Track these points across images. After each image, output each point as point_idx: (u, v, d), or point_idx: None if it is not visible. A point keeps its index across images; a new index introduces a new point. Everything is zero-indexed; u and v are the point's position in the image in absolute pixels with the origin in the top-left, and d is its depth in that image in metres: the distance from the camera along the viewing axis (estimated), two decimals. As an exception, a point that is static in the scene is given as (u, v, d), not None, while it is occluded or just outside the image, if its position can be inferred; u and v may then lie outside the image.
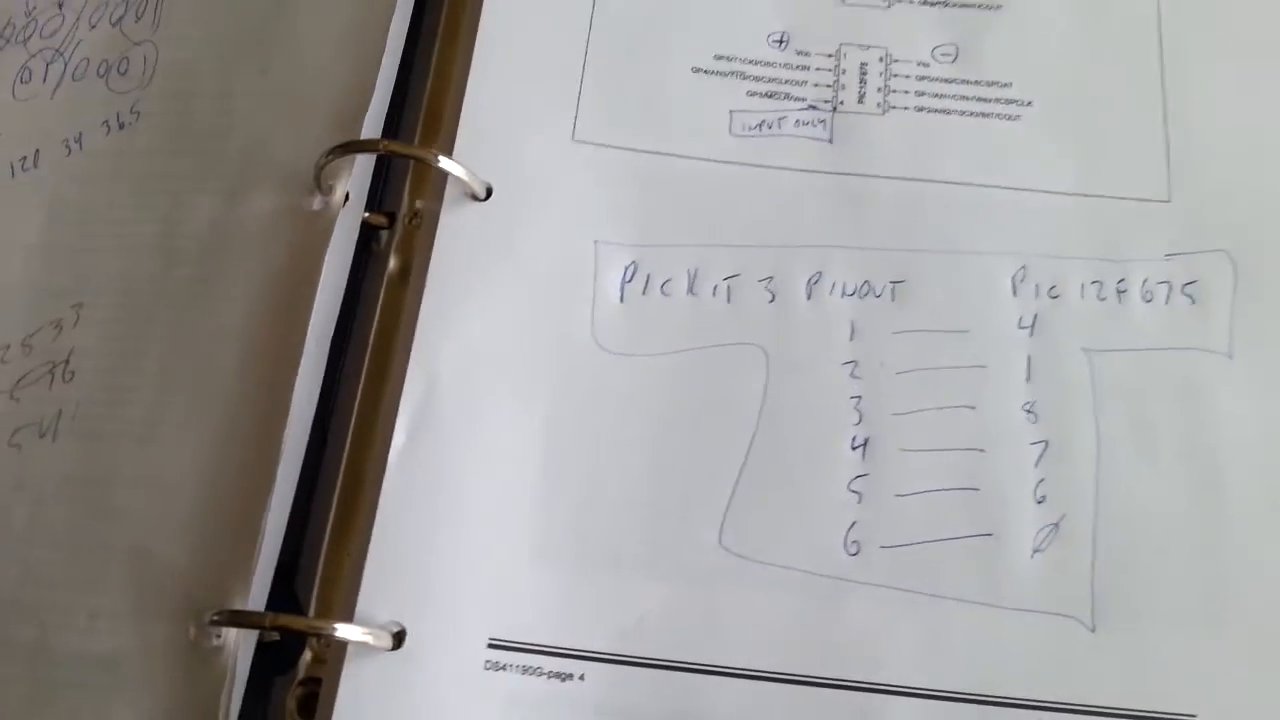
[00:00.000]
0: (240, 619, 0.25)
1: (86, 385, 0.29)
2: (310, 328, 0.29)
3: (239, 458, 0.27)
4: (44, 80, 0.34)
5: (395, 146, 0.31)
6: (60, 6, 0.35)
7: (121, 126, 0.33)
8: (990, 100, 0.33)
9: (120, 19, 0.34)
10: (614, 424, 0.29)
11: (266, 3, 0.34)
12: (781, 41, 0.34)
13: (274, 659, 0.26)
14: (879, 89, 0.33)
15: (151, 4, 0.34)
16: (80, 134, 0.33)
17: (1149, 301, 0.30)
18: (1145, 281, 0.30)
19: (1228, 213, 0.31)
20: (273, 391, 0.28)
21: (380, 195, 0.32)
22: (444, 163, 0.30)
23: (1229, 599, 0.27)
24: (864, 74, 0.33)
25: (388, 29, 0.32)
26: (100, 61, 0.34)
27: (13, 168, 0.32)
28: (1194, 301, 0.30)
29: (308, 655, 0.27)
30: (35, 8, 0.35)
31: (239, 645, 0.25)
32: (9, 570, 0.27)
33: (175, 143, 0.32)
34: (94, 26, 0.34)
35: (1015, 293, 0.30)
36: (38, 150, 0.33)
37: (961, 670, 0.27)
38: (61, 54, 0.34)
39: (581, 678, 0.26)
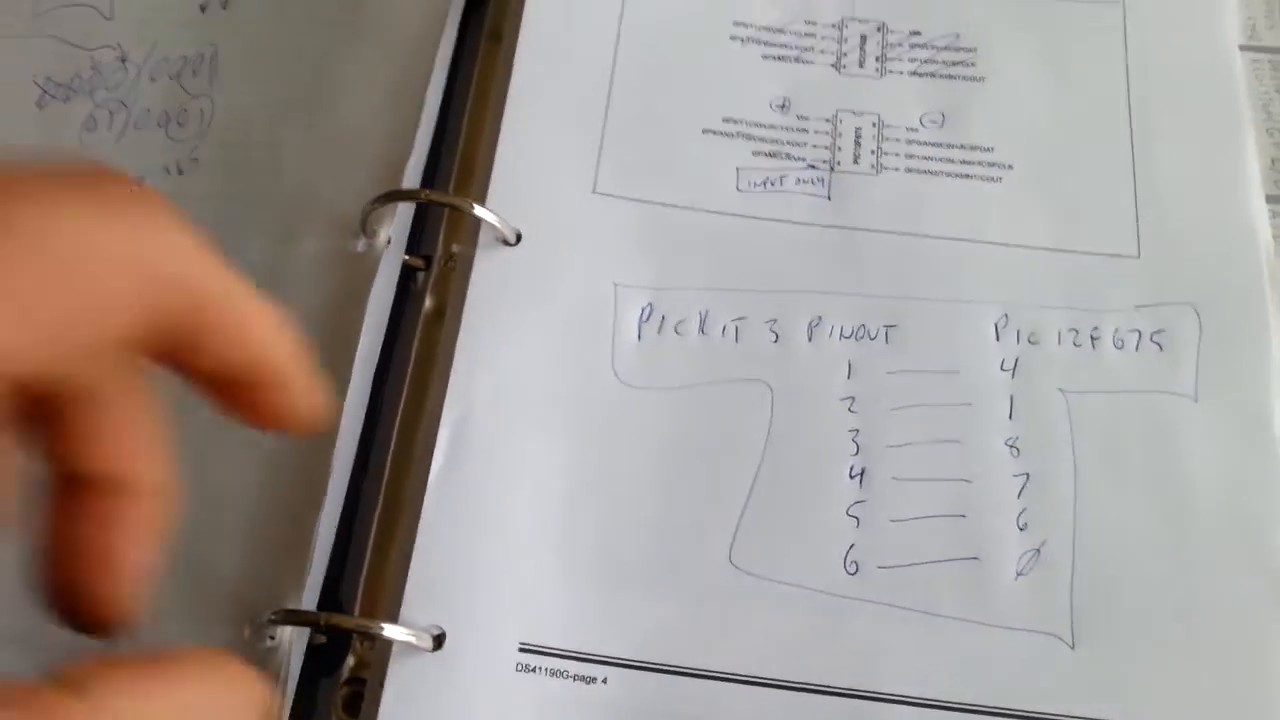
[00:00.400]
0: (295, 618, 0.27)
1: (147, 409, 0.31)
2: (355, 359, 0.31)
3: (291, 478, 0.29)
4: (109, 128, 0.36)
5: (434, 196, 0.33)
6: (124, 61, 0.37)
7: (180, 172, 0.35)
8: (974, 163, 0.35)
9: (179, 74, 0.37)
10: (632, 451, 0.31)
11: (314, 61, 0.36)
12: (784, 107, 0.37)
13: (322, 661, 0.28)
14: (872, 151, 0.36)
15: (208, 61, 0.37)
16: (142, 178, 0.35)
17: (1120, 348, 0.33)
18: (1117, 330, 0.33)
19: (1193, 268, 0.34)
20: (320, 420, 0.30)
21: (418, 239, 0.35)
22: (478, 210, 0.33)
23: (1198, 617, 0.29)
24: (859, 138, 0.36)
25: (427, 87, 0.35)
26: (161, 112, 0.36)
27: (79, 209, 0.35)
28: (1162, 349, 0.33)
29: (351, 660, 0.29)
30: (101, 62, 0.37)
31: (291, 645, 0.27)
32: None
33: (230, 188, 0.35)
34: (154, 80, 0.37)
35: (998, 338, 0.33)
36: (103, 193, 0.35)
37: (952, 681, 0.29)
38: (125, 104, 0.37)
39: (604, 681, 0.28)
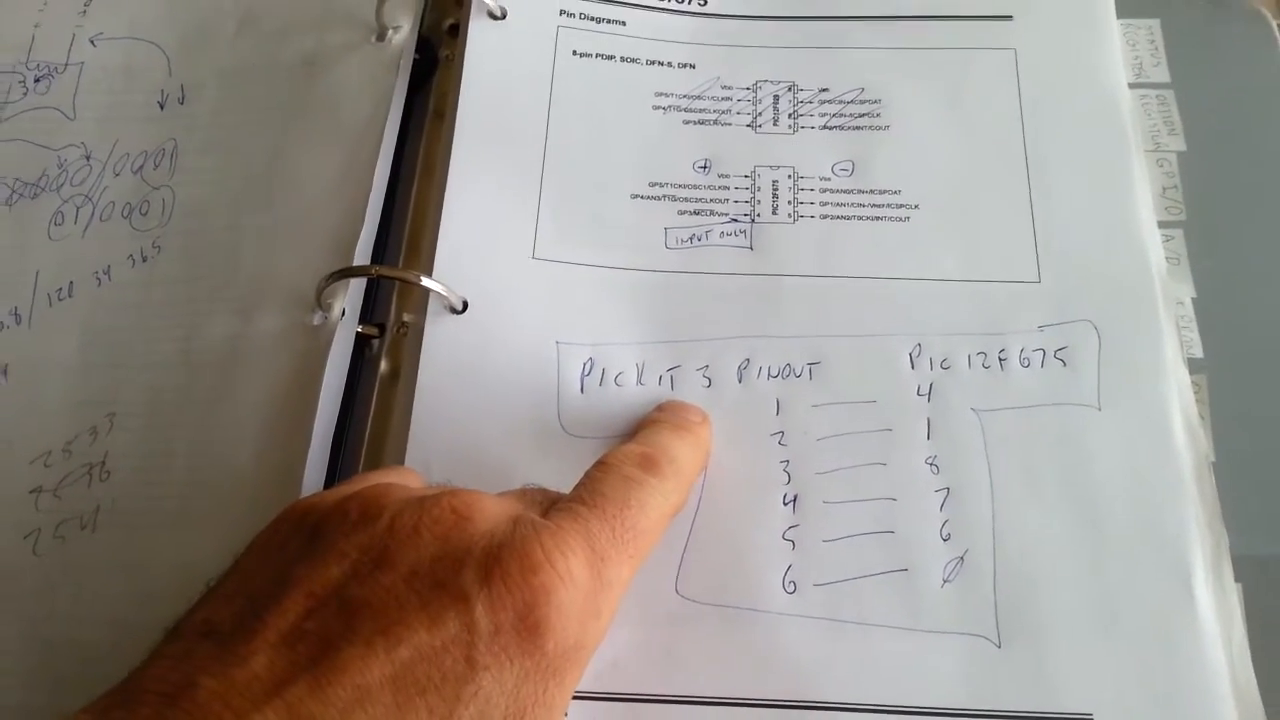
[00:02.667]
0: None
1: (121, 483, 0.33)
2: (315, 425, 0.33)
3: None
4: (75, 222, 0.38)
5: (384, 271, 0.36)
6: (88, 159, 0.40)
7: (145, 259, 0.37)
8: (883, 206, 0.38)
9: (141, 168, 0.39)
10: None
11: (268, 150, 0.39)
12: (705, 167, 0.39)
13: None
14: (789, 202, 0.38)
15: (168, 154, 0.39)
16: (109, 267, 0.37)
17: (1027, 366, 0.35)
18: (1023, 350, 0.35)
19: (1089, 289, 0.36)
20: (286, 480, 0.32)
21: (371, 308, 0.37)
22: (426, 281, 0.35)
23: (1114, 612, 0.31)
24: (776, 190, 0.39)
25: (375, 167, 0.37)
26: (124, 204, 0.39)
27: (50, 298, 0.37)
28: (1065, 364, 0.35)
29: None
30: (66, 160, 0.40)
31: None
32: (63, 648, 0.31)
33: (192, 271, 0.37)
34: (118, 175, 0.39)
35: (913, 366, 0.35)
36: (72, 282, 0.37)
37: (889, 686, 0.30)
38: (90, 199, 0.39)
39: (565, 714, 0.30)
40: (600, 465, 0.29)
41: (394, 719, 0.22)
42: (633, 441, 0.31)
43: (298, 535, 0.26)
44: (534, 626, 0.24)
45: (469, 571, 0.24)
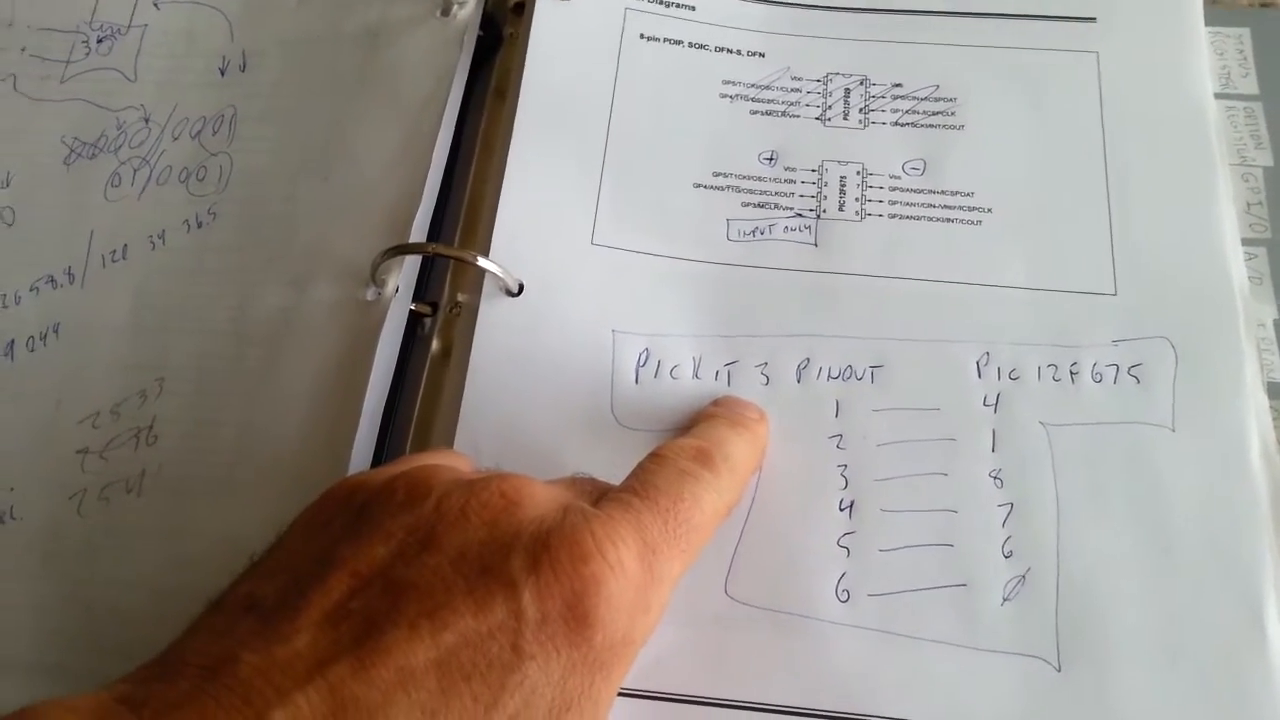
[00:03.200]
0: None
1: (168, 448, 0.33)
2: (365, 402, 0.32)
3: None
4: (132, 184, 0.38)
5: (441, 249, 0.35)
6: (147, 121, 0.39)
7: (200, 225, 0.37)
8: (954, 208, 0.37)
9: (199, 133, 0.39)
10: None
11: (327, 122, 0.38)
12: (771, 159, 0.38)
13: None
14: (856, 199, 0.37)
15: (227, 120, 0.39)
16: (164, 231, 0.37)
17: (1099, 382, 0.34)
18: (1095, 364, 0.34)
19: (1167, 304, 0.35)
20: (332, 456, 0.32)
21: (425, 287, 0.36)
22: (482, 262, 0.34)
23: (1179, 641, 0.30)
24: (843, 186, 0.38)
25: (434, 144, 0.37)
26: (182, 169, 0.38)
27: (104, 259, 0.37)
28: (1139, 382, 0.34)
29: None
30: (125, 122, 0.39)
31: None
32: (102, 610, 0.30)
33: (247, 240, 0.36)
34: (176, 139, 0.39)
35: (980, 375, 0.34)
36: (126, 245, 0.37)
37: (941, 704, 0.29)
38: (148, 162, 0.39)
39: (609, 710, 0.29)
40: (654, 457, 0.29)
41: (438, 704, 0.22)
42: (688, 435, 0.30)
43: (343, 513, 0.25)
44: (583, 617, 0.23)
45: (517, 558, 0.23)
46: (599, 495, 0.28)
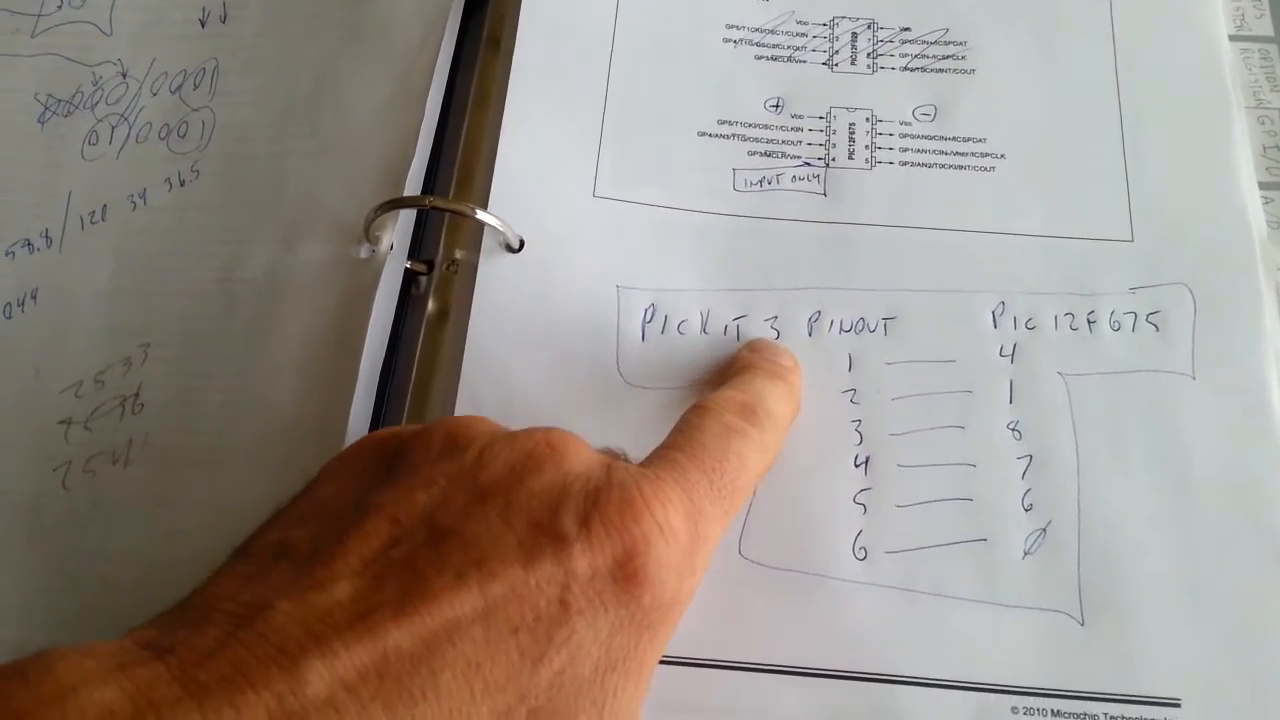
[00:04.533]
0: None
1: (155, 417, 0.32)
2: (361, 365, 0.31)
3: (299, 485, 0.30)
4: (110, 142, 0.37)
5: (439, 202, 0.34)
6: (124, 76, 0.38)
7: (183, 184, 0.35)
8: (966, 154, 0.36)
9: (179, 87, 0.37)
10: (639, 448, 0.31)
11: (314, 71, 0.37)
12: (778, 106, 0.37)
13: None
14: (866, 146, 0.36)
15: (208, 74, 0.37)
16: (145, 190, 0.35)
17: (1117, 330, 0.33)
18: (1113, 312, 0.33)
19: (1185, 249, 0.34)
20: (327, 422, 0.30)
21: (419, 244, 0.35)
22: (481, 215, 0.33)
23: (1203, 591, 0.30)
24: (852, 133, 0.37)
25: (427, 94, 0.35)
26: (162, 125, 0.37)
27: (82, 221, 0.35)
28: (1158, 329, 0.33)
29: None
30: (102, 77, 0.38)
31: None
32: (89, 584, 0.29)
33: (233, 197, 0.35)
34: (155, 94, 0.37)
35: (996, 325, 0.33)
36: (105, 205, 0.35)
37: (963, 661, 0.29)
38: (126, 119, 0.37)
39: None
40: (699, 409, 0.28)
41: (483, 656, 0.21)
42: (729, 387, 0.29)
43: (377, 462, 0.25)
44: (632, 575, 0.23)
45: (568, 512, 0.23)
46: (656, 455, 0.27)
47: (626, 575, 0.22)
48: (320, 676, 0.19)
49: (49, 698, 0.18)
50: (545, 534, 0.22)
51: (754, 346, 0.32)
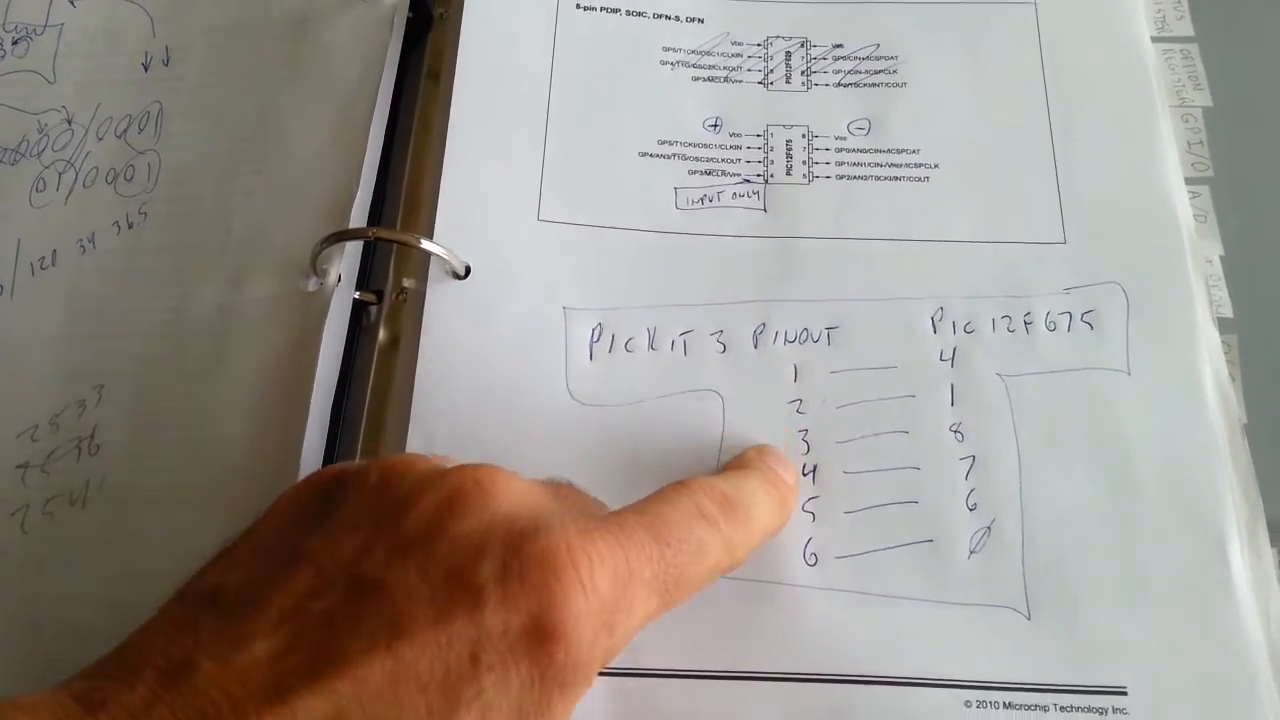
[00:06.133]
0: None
1: (111, 458, 0.32)
2: (313, 397, 0.31)
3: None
4: (57, 189, 0.37)
5: (382, 233, 0.34)
6: (70, 122, 0.38)
7: (130, 226, 0.36)
8: (901, 166, 0.37)
9: (125, 131, 0.38)
10: (592, 467, 0.32)
11: (257, 112, 0.37)
12: (716, 126, 0.38)
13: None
14: (803, 161, 0.37)
15: (153, 117, 0.38)
16: (93, 234, 0.36)
17: (1053, 330, 0.34)
18: (1048, 313, 0.34)
19: (1118, 249, 0.35)
20: (282, 456, 0.31)
21: (368, 275, 0.36)
22: (426, 244, 0.33)
23: (1145, 581, 0.30)
24: (790, 150, 0.37)
25: (369, 127, 0.36)
26: (109, 169, 0.37)
27: (32, 267, 0.35)
28: (1093, 328, 0.34)
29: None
30: (47, 125, 0.38)
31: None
32: (50, 628, 0.29)
33: (181, 238, 0.35)
34: (101, 139, 0.38)
35: (935, 330, 0.34)
36: (55, 251, 0.36)
37: (915, 659, 0.29)
38: (72, 164, 0.37)
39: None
40: (676, 486, 0.27)
41: (392, 714, 0.21)
42: (719, 477, 0.28)
43: (318, 502, 0.25)
44: (547, 632, 0.22)
45: (487, 562, 0.22)
46: (578, 502, 0.27)
47: (541, 632, 0.22)
48: None
49: None
50: (461, 588, 0.22)
51: (763, 450, 0.31)
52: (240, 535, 0.25)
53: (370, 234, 0.34)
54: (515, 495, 0.24)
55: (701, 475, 0.28)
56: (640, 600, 0.24)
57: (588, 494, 0.29)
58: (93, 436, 0.32)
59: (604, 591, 0.23)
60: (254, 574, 0.23)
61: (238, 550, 0.25)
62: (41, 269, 0.35)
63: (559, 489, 0.28)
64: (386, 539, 0.23)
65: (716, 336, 0.34)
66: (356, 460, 0.33)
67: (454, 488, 0.24)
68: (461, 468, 0.25)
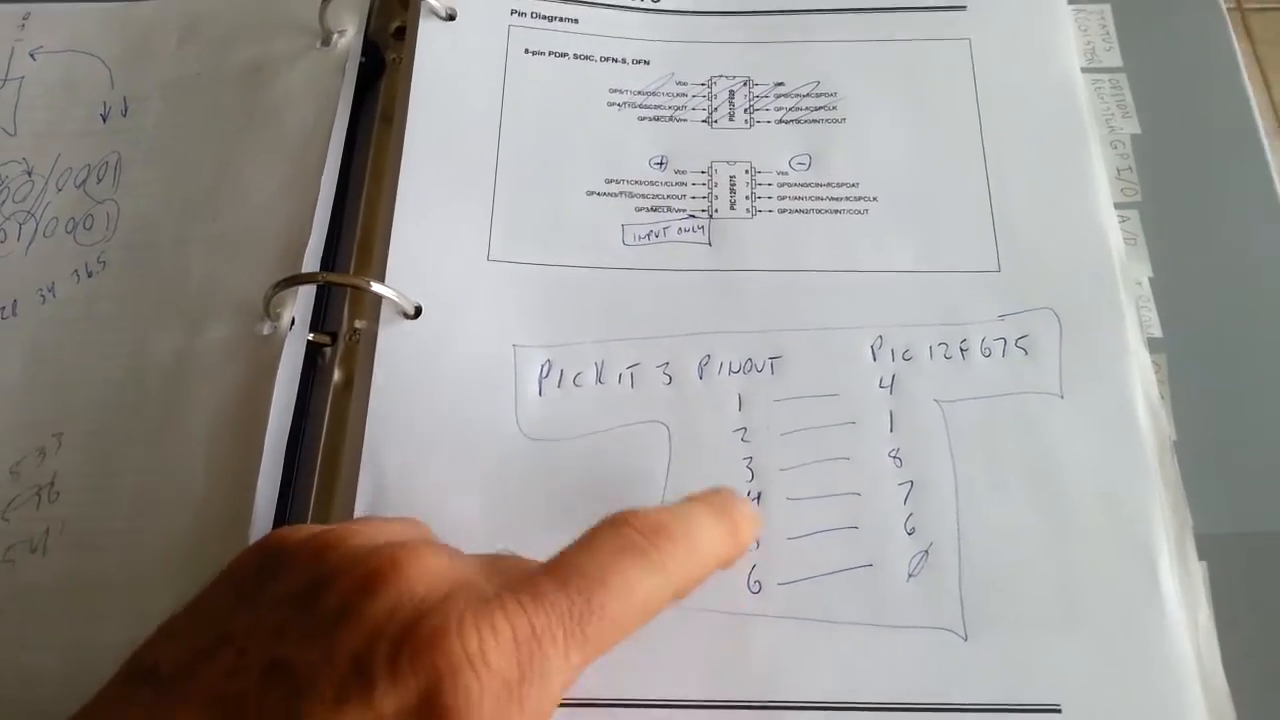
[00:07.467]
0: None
1: (71, 504, 0.32)
2: (267, 438, 0.32)
3: (212, 560, 0.31)
4: (18, 239, 0.38)
5: (333, 277, 0.35)
6: (29, 174, 0.39)
7: (90, 274, 0.36)
8: (841, 199, 0.38)
9: (84, 181, 0.39)
10: (543, 500, 0.33)
11: (213, 161, 0.38)
12: (662, 164, 0.39)
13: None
14: (747, 196, 0.38)
15: (111, 167, 0.39)
16: (53, 284, 0.36)
17: (988, 356, 0.35)
18: (984, 340, 0.35)
19: (1049, 276, 0.36)
20: (237, 495, 0.31)
21: (323, 317, 0.36)
22: (376, 288, 0.34)
23: (1079, 601, 0.31)
24: (733, 185, 0.38)
25: (322, 173, 0.36)
26: (68, 219, 0.38)
27: (-7, 318, 0.36)
28: (1027, 353, 0.35)
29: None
30: (7, 176, 0.39)
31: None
32: (9, 674, 0.30)
33: (139, 285, 0.36)
34: (60, 189, 0.38)
35: (875, 358, 0.35)
36: (15, 301, 0.36)
37: (856, 683, 0.30)
38: (33, 214, 0.38)
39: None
40: (604, 521, 0.26)
41: None
42: (658, 507, 0.27)
43: (253, 572, 0.25)
44: (439, 714, 0.22)
45: (382, 644, 0.22)
46: (512, 571, 0.26)
47: (433, 711, 0.22)
48: None
49: None
50: (359, 672, 0.22)
51: (718, 489, 0.30)
52: (185, 605, 0.26)
53: (320, 278, 0.35)
54: (432, 574, 0.24)
55: (641, 507, 0.27)
56: (556, 664, 0.23)
57: (530, 561, 0.28)
58: (52, 484, 0.33)
59: (500, 666, 0.22)
60: (189, 649, 0.24)
61: (178, 621, 0.25)
62: (2, 319, 0.36)
63: (496, 560, 0.28)
64: (303, 620, 0.23)
65: (663, 369, 0.35)
66: (309, 512, 0.33)
67: (371, 568, 0.23)
68: (383, 546, 0.24)
